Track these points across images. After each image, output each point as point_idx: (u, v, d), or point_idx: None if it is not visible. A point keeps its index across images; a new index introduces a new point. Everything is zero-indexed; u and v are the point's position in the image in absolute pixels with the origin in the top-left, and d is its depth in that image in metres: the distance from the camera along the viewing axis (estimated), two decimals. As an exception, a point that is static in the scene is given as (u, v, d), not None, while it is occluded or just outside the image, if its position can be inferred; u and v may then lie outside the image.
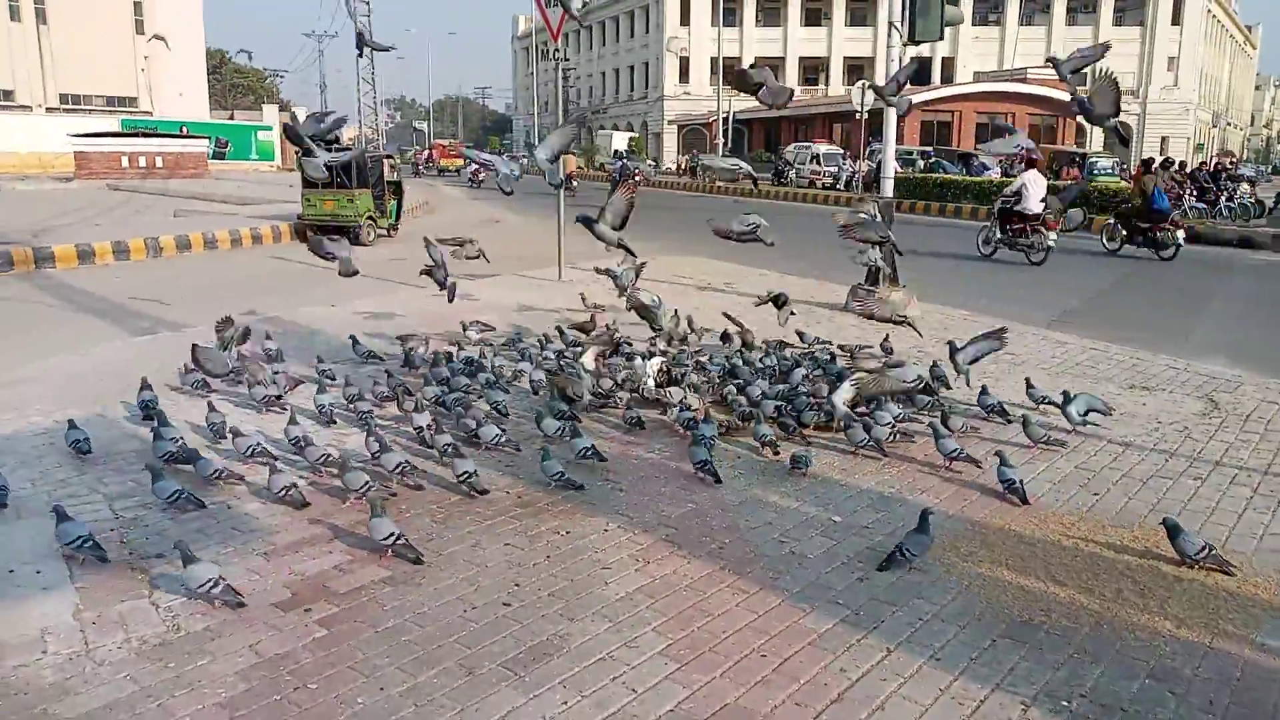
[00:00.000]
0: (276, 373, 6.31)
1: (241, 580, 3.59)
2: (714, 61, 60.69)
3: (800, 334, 8.08)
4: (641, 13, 70.80)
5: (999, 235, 15.77)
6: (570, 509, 4.36)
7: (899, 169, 32.80)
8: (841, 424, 5.38)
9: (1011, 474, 4.67)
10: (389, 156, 20.32)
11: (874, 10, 65.56)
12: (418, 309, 9.52)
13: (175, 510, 4.28)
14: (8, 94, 50.03)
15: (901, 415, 5.65)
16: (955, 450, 5.03)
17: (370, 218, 17.43)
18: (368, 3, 41.44)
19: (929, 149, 36.95)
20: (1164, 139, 61.90)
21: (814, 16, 67.07)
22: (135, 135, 40.83)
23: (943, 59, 64.84)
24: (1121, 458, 5.32)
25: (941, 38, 9.41)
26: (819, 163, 35.80)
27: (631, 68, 73.90)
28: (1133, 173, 30.05)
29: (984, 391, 6.11)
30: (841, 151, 37.12)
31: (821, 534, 4.13)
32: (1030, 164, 16.67)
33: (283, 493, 4.31)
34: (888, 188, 9.70)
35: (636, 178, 8.05)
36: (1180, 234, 16.54)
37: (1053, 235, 15.15)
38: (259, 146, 53.81)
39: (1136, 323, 10.45)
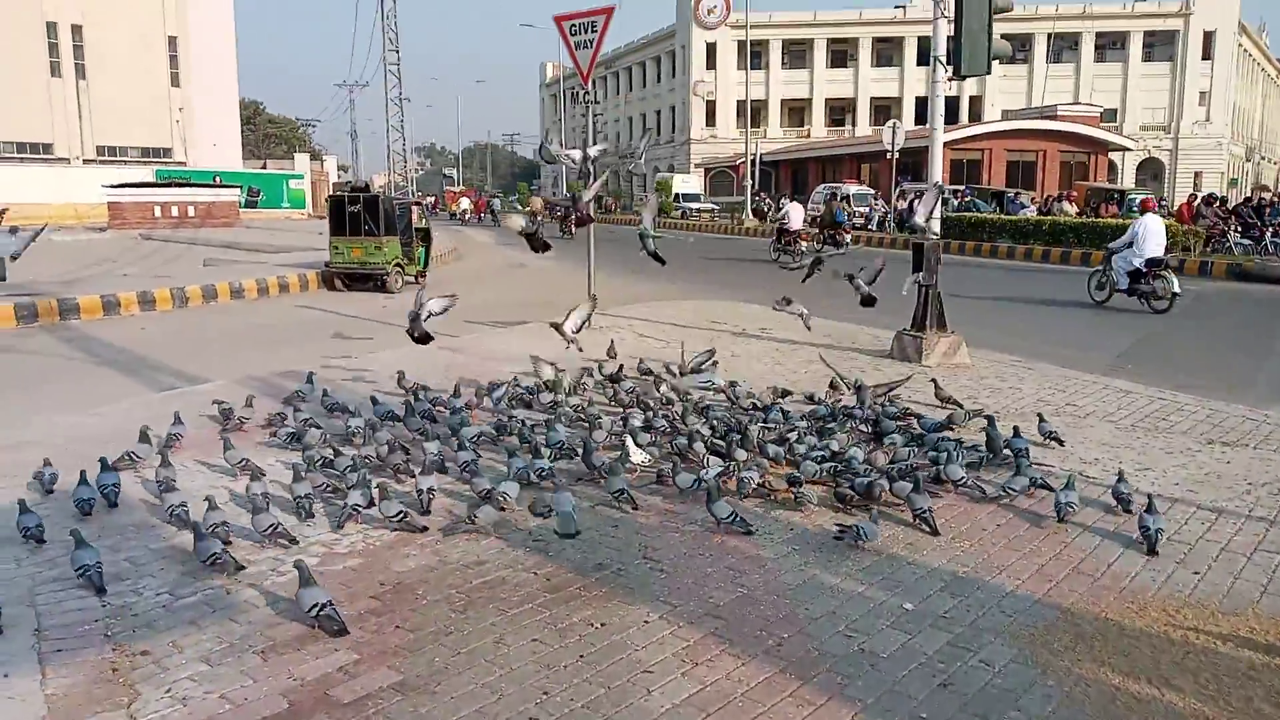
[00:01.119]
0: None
1: (234, 688, 3.15)
2: (740, 105, 60.92)
3: (836, 381, 7.54)
4: (668, 58, 71.30)
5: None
6: (605, 595, 3.89)
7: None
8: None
9: (1152, 521, 4.42)
10: (416, 203, 20.12)
11: (900, 52, 65.69)
12: (443, 361, 9.12)
13: (170, 596, 3.87)
14: (47, 147, 50.91)
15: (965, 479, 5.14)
16: (922, 509, 4.68)
17: (398, 265, 17.19)
18: (397, 51, 41.85)
19: (962, 187, 36.41)
20: (1197, 174, 61.09)
21: (840, 58, 67.17)
22: (169, 185, 41.28)
23: (970, 97, 64.73)
24: (1216, 526, 4.77)
25: (989, 72, 8.99)
26: (849, 203, 35.40)
27: (658, 112, 74.27)
28: (1175, 209, 29.46)
29: (1119, 479, 5.22)
30: (872, 192, 36.73)
31: (893, 625, 3.62)
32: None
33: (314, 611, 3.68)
34: (935, 228, 9.23)
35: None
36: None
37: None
38: (290, 194, 54.36)
39: (1197, 366, 9.88)
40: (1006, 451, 5.72)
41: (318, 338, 11.71)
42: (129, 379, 9.13)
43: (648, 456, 5.66)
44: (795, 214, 22.86)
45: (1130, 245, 14.33)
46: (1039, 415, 6.55)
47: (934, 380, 7.32)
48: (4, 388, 8.76)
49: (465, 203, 51.59)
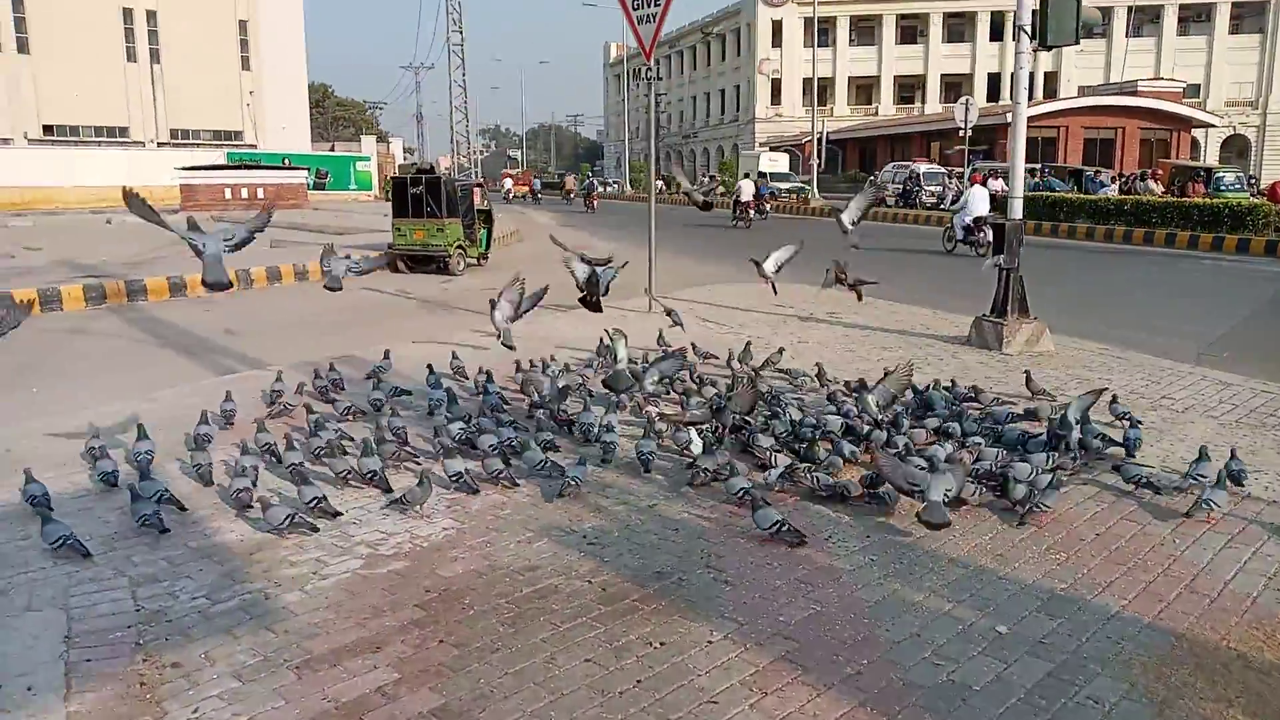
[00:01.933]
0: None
1: (264, 709, 2.92)
2: (806, 82, 59.83)
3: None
4: (733, 36, 70.34)
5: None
6: (665, 608, 3.58)
7: (1004, 188, 31.40)
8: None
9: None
10: (479, 184, 19.99)
11: (972, 27, 63.85)
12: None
13: (207, 600, 3.67)
14: (123, 130, 52.12)
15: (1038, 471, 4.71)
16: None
17: (460, 247, 17.08)
18: (461, 33, 41.80)
19: (1038, 165, 35.18)
20: (1287, 151, 58.48)
21: (909, 34, 65.57)
22: (239, 168, 41.92)
23: (1045, 73, 62.61)
24: (1345, 540, 4.29)
25: (1077, 41, 8.42)
26: (920, 182, 34.49)
27: (723, 91, 73.41)
28: (1265, 188, 28.06)
29: (1232, 455, 4.97)
30: (943, 170, 35.69)
31: (985, 652, 3.25)
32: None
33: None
34: (1016, 208, 8.71)
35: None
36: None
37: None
38: (357, 176, 54.86)
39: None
40: (1098, 444, 5.32)
41: (377, 319, 11.59)
42: (191, 362, 9.07)
43: (700, 446, 5.33)
44: (746, 188, 30.07)
45: (963, 209, 19.24)
46: (1112, 395, 6.28)
47: (1026, 371, 6.85)
48: (69, 370, 8.77)
49: (508, 183, 54.05)
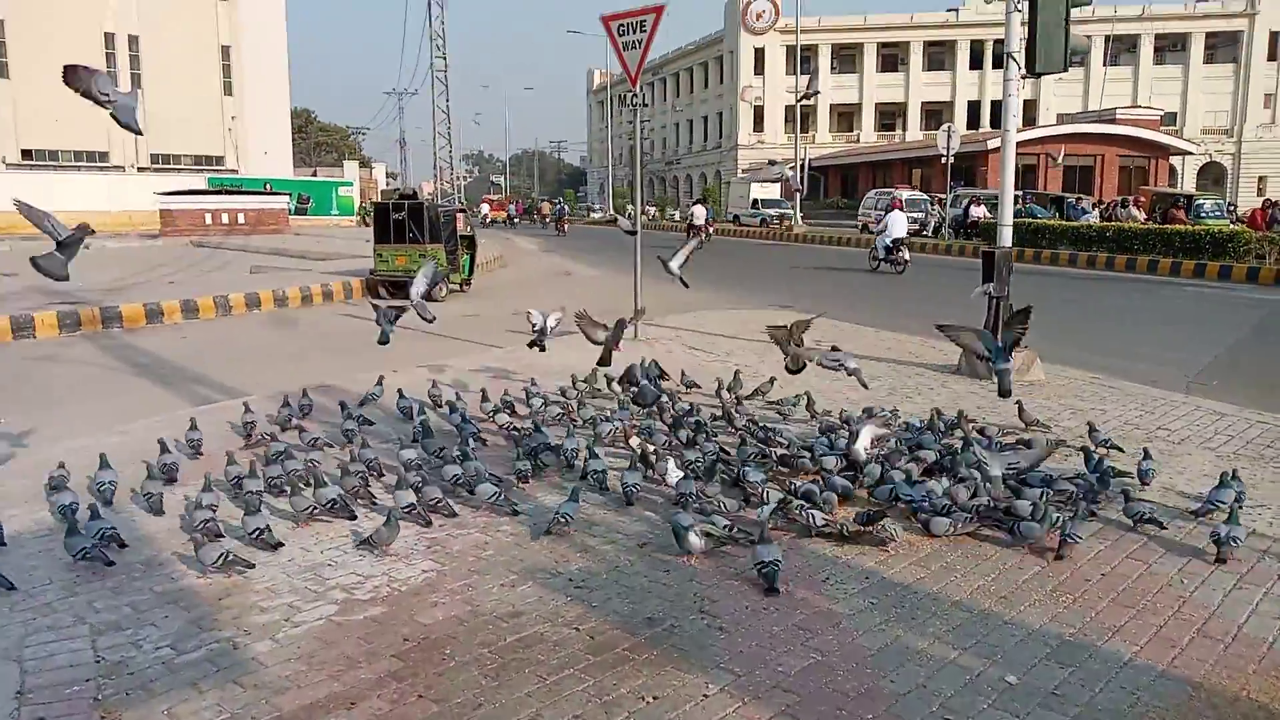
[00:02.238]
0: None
1: (227, 773, 2.73)
2: (788, 110, 60.20)
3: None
4: (715, 64, 70.84)
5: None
6: (657, 658, 3.40)
7: (986, 214, 31.61)
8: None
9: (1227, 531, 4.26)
10: (462, 210, 19.86)
11: (952, 55, 64.57)
12: (482, 373, 8.70)
13: (172, 650, 3.47)
14: (103, 155, 51.73)
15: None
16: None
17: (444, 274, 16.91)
18: (444, 58, 41.84)
19: (1019, 192, 35.37)
20: (1261, 179, 59.29)
21: (890, 62, 66.23)
22: (220, 193, 41.65)
23: (1024, 101, 63.26)
24: (1356, 578, 4.16)
25: (1066, 69, 8.38)
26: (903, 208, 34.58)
27: (705, 118, 73.82)
28: (1245, 215, 28.29)
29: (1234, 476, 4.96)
30: (926, 198, 35.85)
31: (996, 705, 3.09)
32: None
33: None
34: (1005, 236, 8.63)
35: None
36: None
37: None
38: (339, 202, 54.65)
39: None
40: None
41: (356, 348, 11.37)
42: (165, 391, 8.85)
43: (680, 475, 5.19)
44: (699, 213, 35.49)
45: (884, 232, 21.92)
46: (1089, 425, 6.30)
47: (1019, 402, 6.73)
48: (39, 399, 8.52)
49: (485, 208, 57.21)
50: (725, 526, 4.43)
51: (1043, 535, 4.43)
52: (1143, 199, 29.97)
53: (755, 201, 46.79)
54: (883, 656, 3.40)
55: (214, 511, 4.61)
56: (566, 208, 49.65)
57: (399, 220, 16.75)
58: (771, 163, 60.26)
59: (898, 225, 21.60)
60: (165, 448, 5.60)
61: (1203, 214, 26.33)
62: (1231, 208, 32.18)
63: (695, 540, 4.23)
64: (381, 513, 4.65)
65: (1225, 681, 3.26)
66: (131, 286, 16.90)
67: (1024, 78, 8.69)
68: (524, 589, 3.99)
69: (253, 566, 4.19)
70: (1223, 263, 20.59)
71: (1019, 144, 45.99)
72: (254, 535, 4.43)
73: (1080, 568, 4.25)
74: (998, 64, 64.13)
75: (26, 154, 48.71)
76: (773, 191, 48.66)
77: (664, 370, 7.93)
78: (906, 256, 21.21)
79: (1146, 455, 5.49)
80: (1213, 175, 60.93)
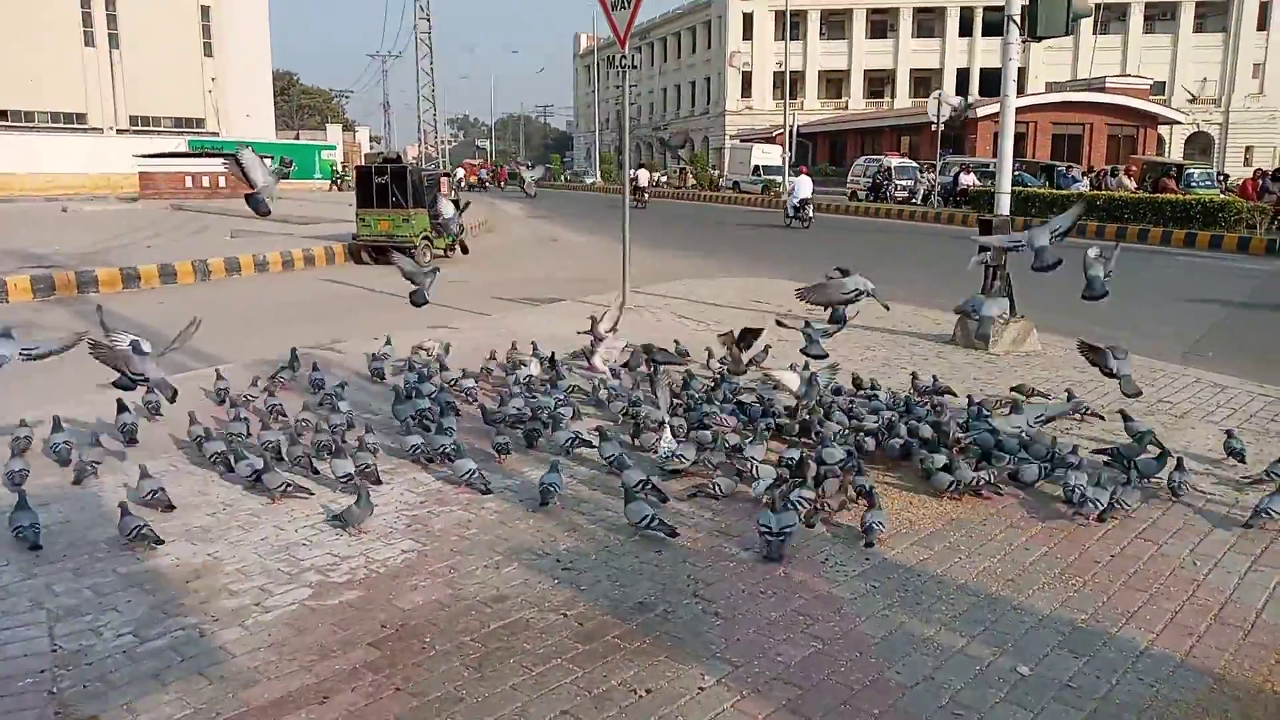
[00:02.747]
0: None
1: (188, 775, 2.53)
2: (777, 76, 59.55)
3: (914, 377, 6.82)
4: (704, 28, 69.93)
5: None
6: (649, 646, 3.21)
7: (975, 183, 31.39)
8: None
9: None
10: (446, 174, 19.52)
11: (941, 22, 63.89)
12: (469, 341, 8.46)
13: (134, 638, 3.26)
14: (80, 117, 50.77)
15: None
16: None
17: (426, 237, 16.62)
18: (429, 19, 41.10)
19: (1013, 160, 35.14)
20: (1248, 149, 59.06)
21: (880, 29, 65.50)
22: (200, 155, 40.94)
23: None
24: (1372, 559, 4.02)
25: (1069, 32, 8.15)
26: (891, 176, 34.35)
27: (693, 83, 73.01)
28: (1236, 184, 28.15)
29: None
30: (916, 165, 35.56)
31: (1009, 699, 2.91)
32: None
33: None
34: (1003, 204, 8.43)
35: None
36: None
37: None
38: (322, 166, 53.91)
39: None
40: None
41: (337, 313, 11.12)
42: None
43: (673, 446, 5.08)
44: (642, 176, 38.51)
45: (791, 194, 25.35)
46: (1067, 391, 6.46)
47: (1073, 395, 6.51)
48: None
49: (460, 172, 56.09)
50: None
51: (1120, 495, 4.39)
52: (1134, 168, 29.77)
53: (757, 168, 44.11)
54: (887, 645, 3.23)
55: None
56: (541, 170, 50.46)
57: (381, 184, 16.43)
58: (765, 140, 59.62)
59: (803, 188, 25.31)
60: (123, 407, 5.53)
61: (1193, 183, 26.18)
62: (1223, 177, 32.03)
63: (636, 510, 4.12)
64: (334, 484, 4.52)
65: (1246, 673, 3.10)
66: (109, 250, 16.54)
67: (1024, 42, 8.44)
68: (509, 571, 3.79)
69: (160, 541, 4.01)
70: (1213, 232, 20.46)
71: (1009, 112, 45.92)
72: (147, 496, 4.39)
73: (1089, 548, 4.08)
74: (988, 31, 63.84)
75: (2, 115, 47.69)
76: (775, 157, 44.91)
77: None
78: (810, 214, 25.22)
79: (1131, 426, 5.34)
80: (1200, 145, 60.71)
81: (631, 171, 35.78)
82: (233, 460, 4.80)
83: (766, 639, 3.25)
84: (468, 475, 4.63)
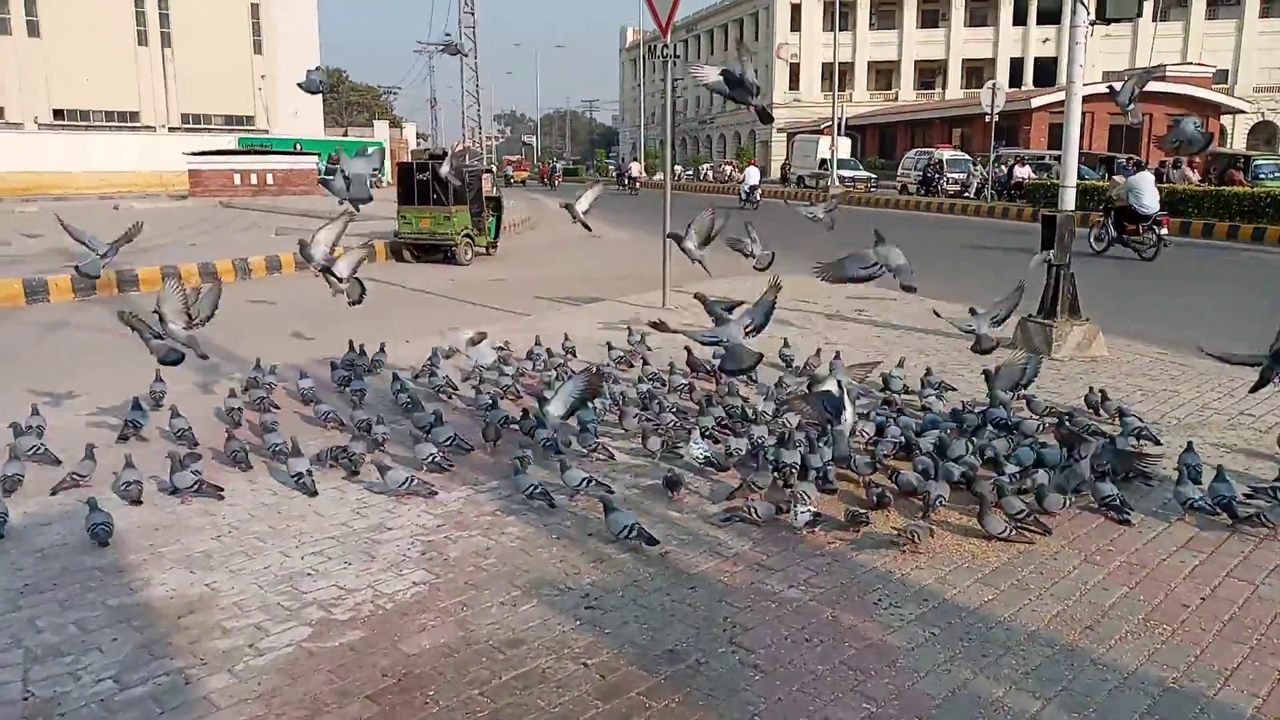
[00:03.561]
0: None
1: None
2: (825, 67, 58.67)
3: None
4: (750, 20, 69.20)
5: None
6: (680, 703, 2.85)
7: (1031, 175, 30.49)
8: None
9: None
10: (488, 170, 19.26)
11: (994, 10, 62.49)
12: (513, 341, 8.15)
13: (114, 683, 2.98)
14: (134, 115, 51.57)
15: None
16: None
17: (467, 235, 16.41)
18: (473, 13, 41.00)
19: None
20: (1315, 139, 56.98)
21: (931, 18, 64.28)
22: (249, 153, 41.31)
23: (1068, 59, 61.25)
24: None
25: (1139, 14, 7.62)
26: (942, 169, 33.53)
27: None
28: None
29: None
30: (968, 157, 34.70)
31: (1094, 782, 2.52)
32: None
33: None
34: (1068, 199, 7.92)
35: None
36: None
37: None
38: (368, 164, 54.12)
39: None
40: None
41: (376, 313, 10.87)
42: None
43: (704, 452, 4.89)
44: (635, 167, 43.95)
45: (744, 182, 25.90)
46: (1099, 393, 5.97)
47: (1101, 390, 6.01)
48: (35, 370, 8.09)
49: (509, 169, 59.53)
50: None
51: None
52: (1198, 159, 28.66)
53: (823, 161, 40.19)
54: (951, 708, 2.83)
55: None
56: (560, 167, 62.32)
57: (423, 181, 16.22)
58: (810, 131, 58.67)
59: (752, 176, 31.26)
60: (138, 405, 5.66)
61: (1262, 175, 25.11)
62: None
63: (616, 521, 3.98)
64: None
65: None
66: (154, 248, 16.53)
67: (1092, 24, 7.92)
68: (527, 609, 3.45)
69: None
70: (1285, 227, 19.53)
71: (1061, 103, 44.84)
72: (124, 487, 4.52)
73: (1174, 589, 3.64)
74: (1042, 19, 62.29)
75: (58, 114, 48.60)
76: (843, 149, 42.30)
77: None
78: (758, 198, 29.66)
79: (1190, 448, 4.81)
80: (1264, 135, 58.67)
81: (625, 162, 38.54)
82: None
83: (812, 699, 2.87)
84: (405, 484, 4.51)
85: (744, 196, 29.89)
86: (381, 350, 7.52)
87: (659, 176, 37.48)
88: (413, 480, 4.50)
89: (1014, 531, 4.01)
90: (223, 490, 4.59)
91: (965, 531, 4.15)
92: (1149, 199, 16.17)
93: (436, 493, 4.56)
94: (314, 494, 4.57)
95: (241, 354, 8.08)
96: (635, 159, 53.81)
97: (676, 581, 3.67)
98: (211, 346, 6.59)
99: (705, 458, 4.87)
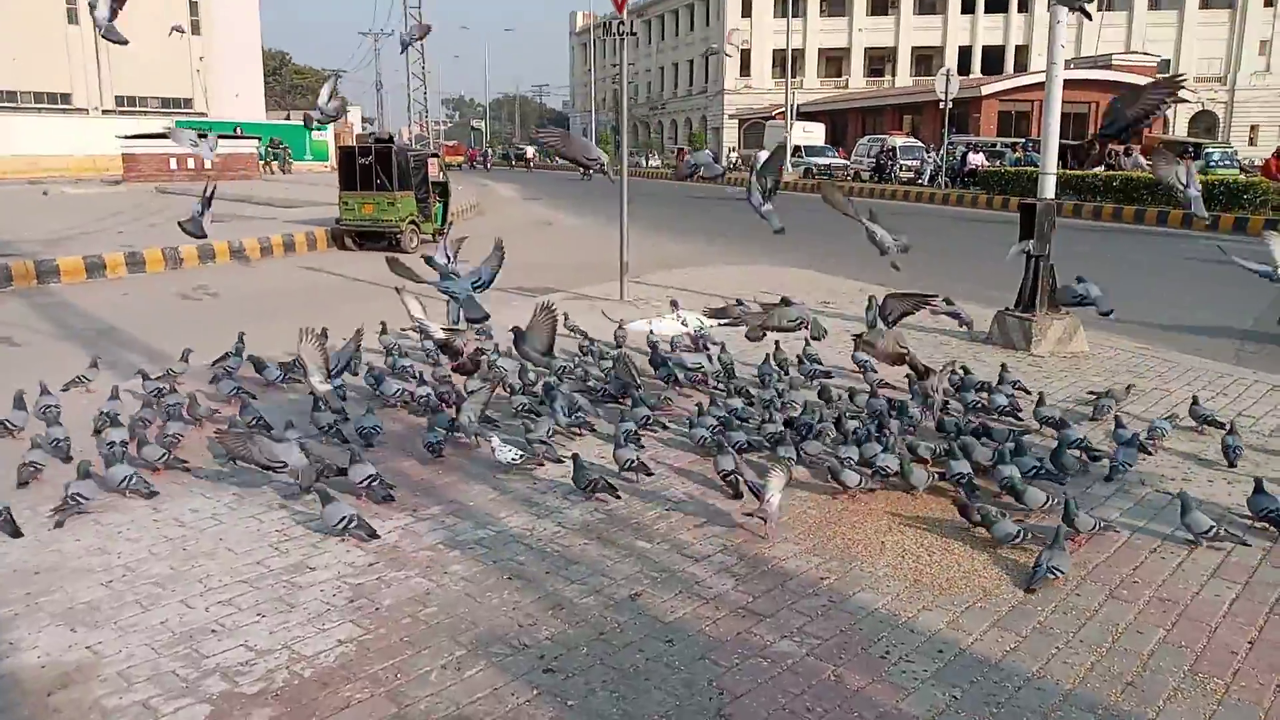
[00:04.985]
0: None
1: None
2: (776, 54, 58.28)
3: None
4: (701, 5, 68.64)
5: None
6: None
7: (984, 163, 30.40)
8: None
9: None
10: (434, 155, 18.51)
11: (942, -3, 62.67)
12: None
13: None
14: (65, 97, 49.68)
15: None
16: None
17: (413, 222, 15.70)
18: (418, -4, 39.94)
19: (1022, 139, 34.23)
20: (1254, 127, 58.02)
21: (880, 6, 64.28)
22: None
23: (1016, 47, 61.82)
24: None
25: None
26: (895, 156, 33.33)
27: (691, 62, 71.78)
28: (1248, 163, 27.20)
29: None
30: (922, 145, 34.56)
31: None
32: None
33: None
34: (1048, 186, 7.53)
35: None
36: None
37: None
38: (313, 147, 52.65)
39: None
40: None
41: (313, 306, 10.19)
42: (90, 358, 7.63)
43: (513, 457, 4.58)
44: (529, 150, 46.52)
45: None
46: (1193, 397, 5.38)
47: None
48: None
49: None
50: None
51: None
52: (1145, 147, 28.78)
53: (797, 149, 38.71)
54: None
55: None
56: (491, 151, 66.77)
57: (365, 165, 15.47)
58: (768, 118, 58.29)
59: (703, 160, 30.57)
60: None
61: (1212, 163, 25.25)
62: (1238, 158, 31.01)
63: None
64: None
65: None
66: (79, 237, 15.59)
67: (1072, 9, 7.48)
68: (473, 674, 2.88)
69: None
70: (1237, 215, 19.52)
71: (1011, 90, 44.87)
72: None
73: (1217, 631, 3.19)
74: (991, 7, 62.57)
75: (-18, 95, 46.59)
76: (817, 135, 41.26)
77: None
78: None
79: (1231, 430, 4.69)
80: (1204, 124, 59.62)
81: (524, 147, 40.44)
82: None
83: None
84: (342, 523, 3.88)
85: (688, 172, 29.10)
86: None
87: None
88: (353, 521, 3.84)
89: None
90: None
91: (975, 560, 3.68)
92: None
93: (377, 535, 3.91)
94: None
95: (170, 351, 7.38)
96: (532, 142, 59.15)
97: (650, 633, 3.13)
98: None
99: (512, 460, 4.50)
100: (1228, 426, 4.96)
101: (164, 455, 4.57)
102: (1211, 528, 3.80)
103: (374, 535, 3.85)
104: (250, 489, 4.40)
